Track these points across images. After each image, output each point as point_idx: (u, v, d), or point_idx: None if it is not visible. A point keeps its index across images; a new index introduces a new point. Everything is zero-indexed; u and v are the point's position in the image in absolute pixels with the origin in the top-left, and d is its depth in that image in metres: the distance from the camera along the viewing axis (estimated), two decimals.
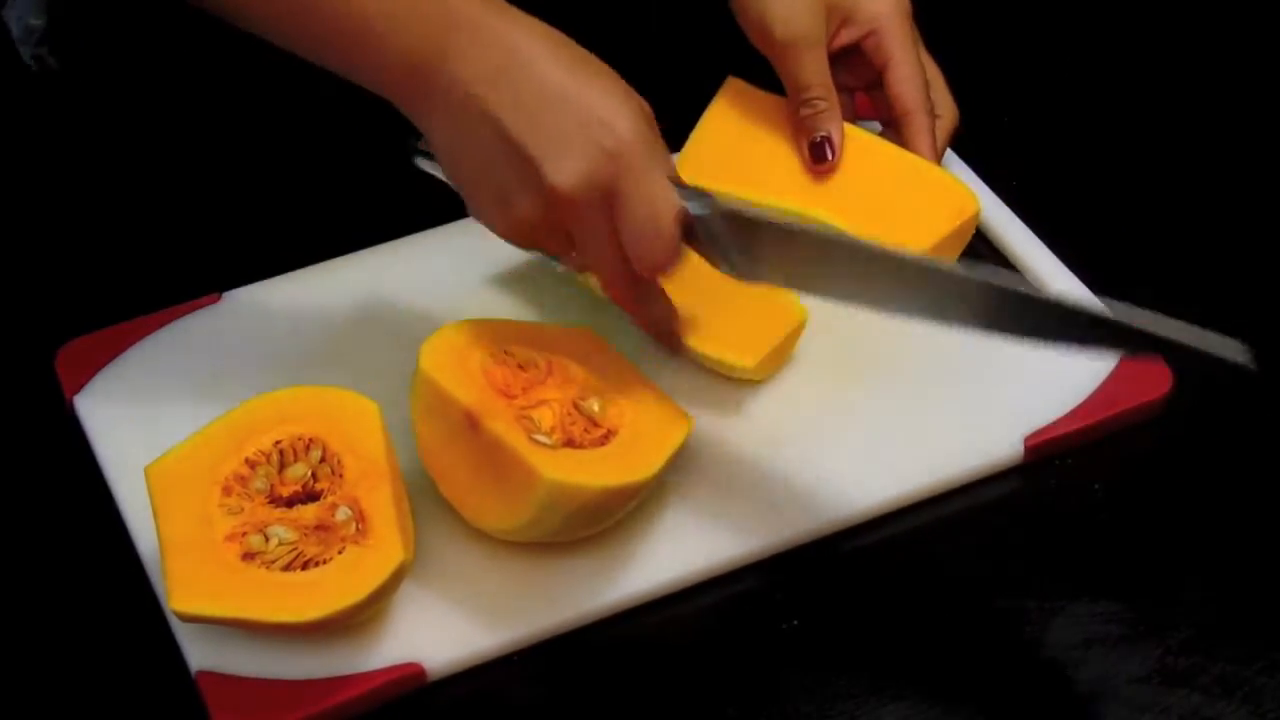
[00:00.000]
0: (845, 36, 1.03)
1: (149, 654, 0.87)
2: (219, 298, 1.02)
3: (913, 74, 1.03)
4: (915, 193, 1.02)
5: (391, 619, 0.87)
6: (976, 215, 1.03)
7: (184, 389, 0.97)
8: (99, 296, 1.02)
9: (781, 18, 1.01)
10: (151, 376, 0.98)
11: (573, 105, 0.84)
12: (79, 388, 0.97)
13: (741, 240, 0.87)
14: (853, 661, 0.87)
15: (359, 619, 0.85)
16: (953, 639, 0.88)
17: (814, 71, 1.01)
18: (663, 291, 0.92)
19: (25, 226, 1.08)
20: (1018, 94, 1.17)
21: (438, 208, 1.04)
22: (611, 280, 0.88)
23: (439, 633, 0.87)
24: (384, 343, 0.99)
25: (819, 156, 1.02)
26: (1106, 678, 0.86)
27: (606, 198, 0.84)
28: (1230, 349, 0.79)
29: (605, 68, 0.86)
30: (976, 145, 1.10)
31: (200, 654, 0.86)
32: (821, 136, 1.02)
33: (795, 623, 0.89)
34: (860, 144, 1.05)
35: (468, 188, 0.88)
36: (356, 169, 1.10)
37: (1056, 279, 1.03)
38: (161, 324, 1.01)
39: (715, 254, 0.88)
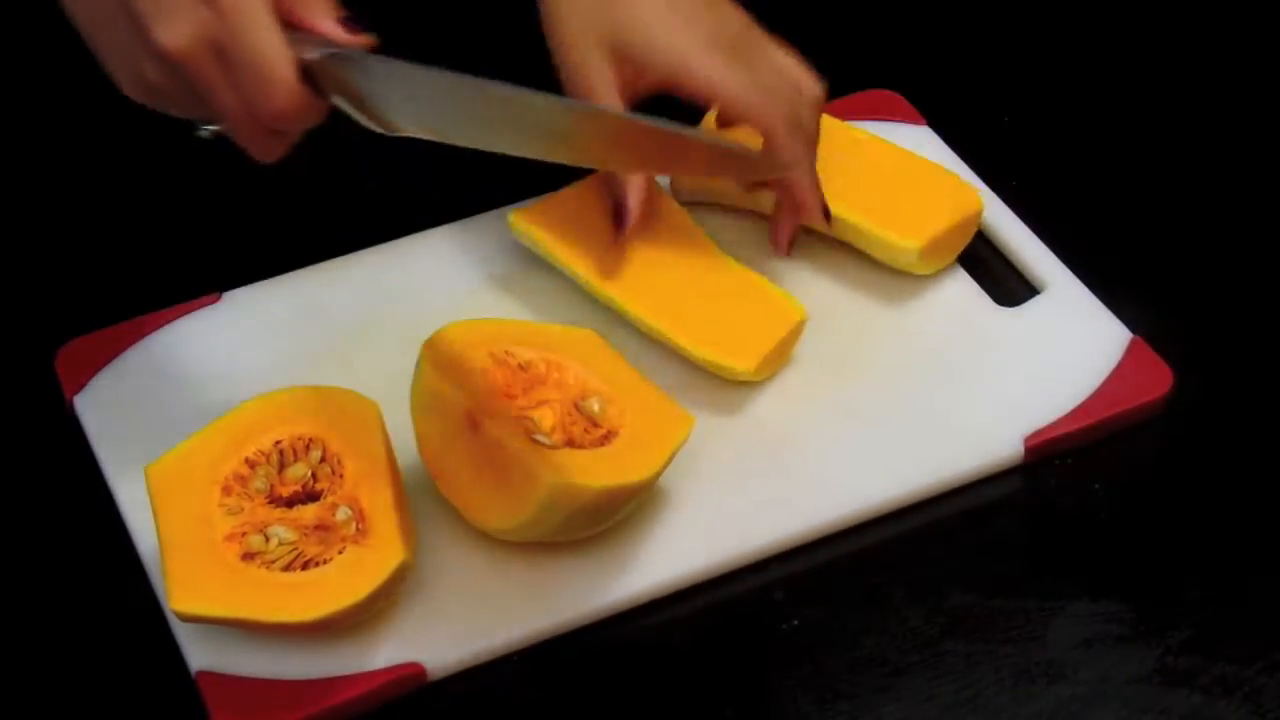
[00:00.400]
0: (646, 83, 0.97)
1: (149, 654, 0.87)
2: (219, 298, 1.02)
3: (739, 100, 0.95)
4: (919, 188, 1.03)
5: (392, 619, 0.87)
6: (979, 213, 1.03)
7: (184, 389, 0.97)
8: (99, 296, 1.02)
9: (572, 81, 0.96)
10: (151, 376, 0.98)
11: None
12: (79, 388, 0.97)
13: (372, 85, 0.85)
14: (853, 661, 0.87)
15: (359, 619, 0.85)
16: (952, 639, 0.88)
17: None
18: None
19: (25, 226, 1.08)
20: (1018, 94, 1.17)
21: (438, 208, 1.05)
22: (242, 133, 0.86)
23: (439, 633, 0.87)
24: (384, 343, 0.99)
25: (619, 222, 0.99)
26: (1106, 678, 0.86)
27: (217, 54, 0.83)
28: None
29: None
30: (976, 145, 1.10)
31: (200, 654, 0.86)
32: (618, 201, 0.99)
33: (795, 623, 0.89)
34: (864, 144, 1.05)
35: (102, 52, 0.86)
36: (356, 169, 1.10)
37: (1056, 279, 1.03)
38: (161, 324, 1.01)
39: (349, 104, 0.86)
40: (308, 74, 0.84)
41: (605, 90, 0.95)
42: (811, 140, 0.98)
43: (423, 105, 0.86)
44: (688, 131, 0.82)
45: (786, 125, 0.95)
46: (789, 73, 0.98)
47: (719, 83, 0.95)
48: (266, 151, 0.86)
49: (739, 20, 0.97)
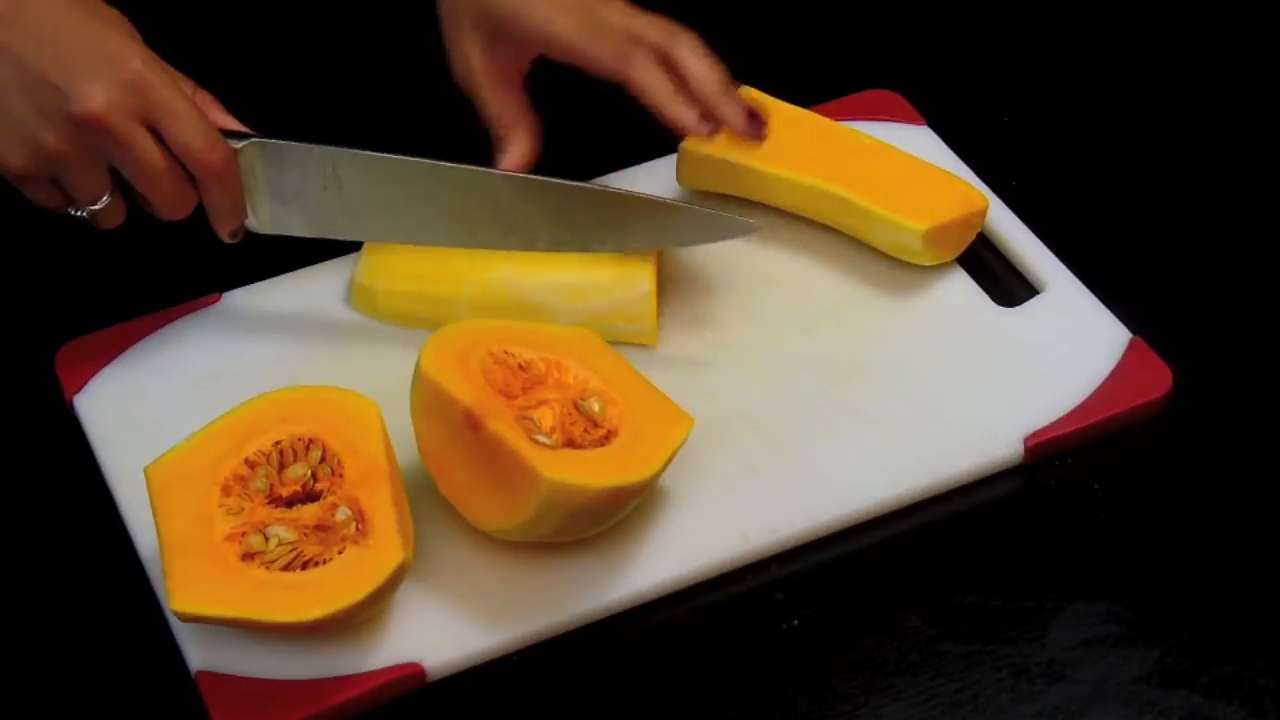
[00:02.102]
0: (525, 59, 1.01)
1: (149, 654, 0.87)
2: (219, 298, 1.02)
3: (619, 67, 0.98)
4: (924, 184, 1.04)
5: (391, 619, 0.87)
6: (984, 210, 1.03)
7: (184, 389, 0.97)
8: (99, 296, 1.02)
9: (453, 64, 1.01)
10: (151, 376, 0.98)
11: (84, 39, 0.88)
12: (79, 388, 0.97)
13: (276, 175, 0.94)
14: (853, 661, 0.87)
15: (359, 619, 0.85)
16: (952, 639, 0.88)
17: (495, 103, 1.00)
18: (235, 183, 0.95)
19: (25, 227, 1.08)
20: (1018, 94, 1.17)
21: None
22: (167, 205, 0.92)
23: (439, 633, 0.87)
24: (384, 343, 0.99)
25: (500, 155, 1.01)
26: (1106, 678, 0.86)
27: (142, 115, 0.89)
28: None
29: (106, 9, 0.91)
30: (976, 145, 1.10)
31: (200, 654, 0.86)
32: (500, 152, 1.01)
33: (795, 623, 0.89)
34: (870, 147, 1.05)
35: None
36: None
37: (1056, 279, 1.03)
38: (161, 324, 1.01)
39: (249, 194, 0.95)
40: None
41: (480, 66, 0.99)
42: (639, 40, 0.98)
43: (333, 191, 0.95)
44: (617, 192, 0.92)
45: (600, 38, 0.97)
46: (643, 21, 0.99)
47: (588, 54, 0.98)
48: (179, 204, 0.93)
49: None
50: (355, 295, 1.01)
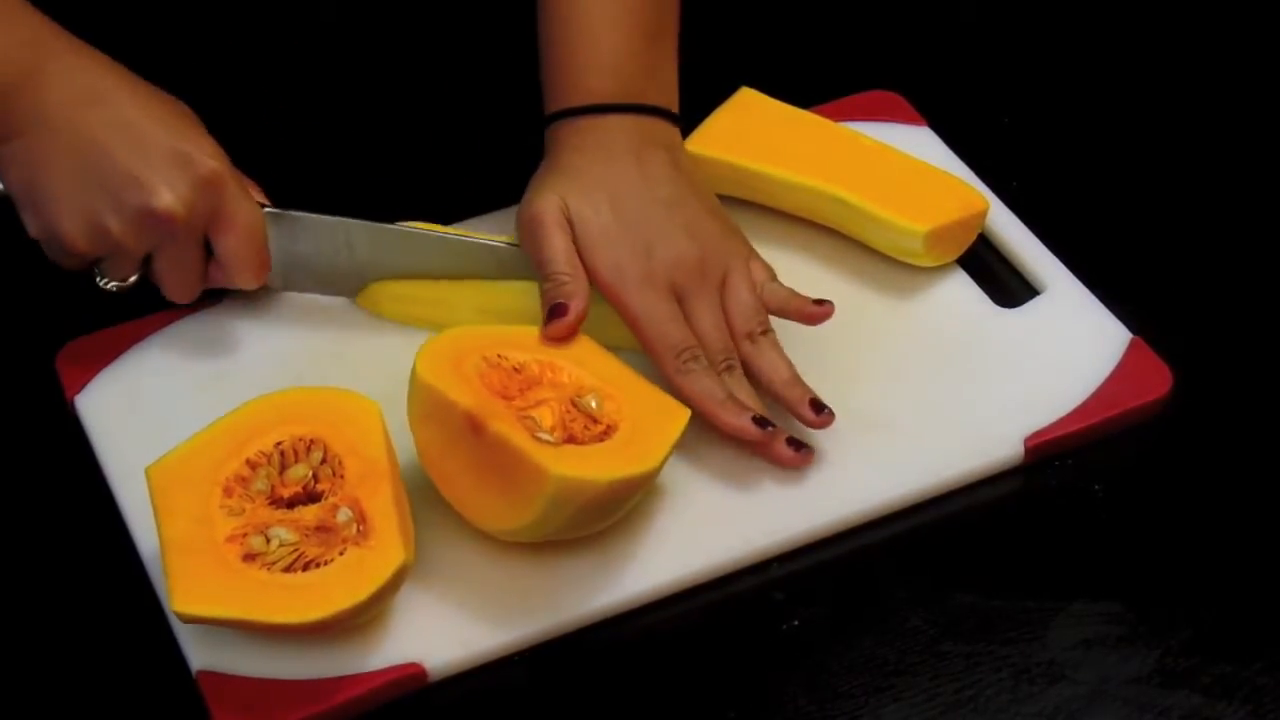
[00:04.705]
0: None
1: (149, 654, 0.87)
2: (219, 298, 1.02)
3: (672, 376, 0.94)
4: (925, 185, 1.04)
5: (392, 619, 0.87)
6: (984, 212, 1.03)
7: (184, 389, 0.98)
8: (99, 296, 1.02)
9: (527, 199, 0.97)
10: (152, 377, 0.98)
11: (166, 135, 0.92)
12: (79, 388, 0.97)
13: (289, 245, 0.98)
14: (853, 661, 0.87)
15: (360, 620, 0.85)
16: (952, 639, 0.88)
17: (555, 249, 0.95)
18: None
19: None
20: (1018, 94, 1.17)
21: (435, 209, 1.05)
22: (181, 292, 0.96)
23: (439, 633, 0.87)
24: (384, 343, 0.99)
25: (555, 315, 0.93)
26: (1106, 678, 0.86)
27: (206, 220, 0.93)
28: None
29: (178, 103, 0.94)
30: (976, 146, 1.10)
31: (200, 654, 0.86)
32: (559, 302, 0.93)
33: (795, 623, 0.89)
34: (869, 147, 1.05)
35: (48, 204, 0.92)
36: (355, 170, 1.10)
37: (1056, 279, 1.03)
38: (162, 324, 1.01)
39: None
40: None
41: (562, 236, 0.95)
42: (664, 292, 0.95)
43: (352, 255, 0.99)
44: None
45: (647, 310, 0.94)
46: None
47: (641, 318, 0.95)
48: (190, 294, 0.97)
49: (697, 252, 0.95)
50: (360, 297, 1.01)
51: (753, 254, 0.98)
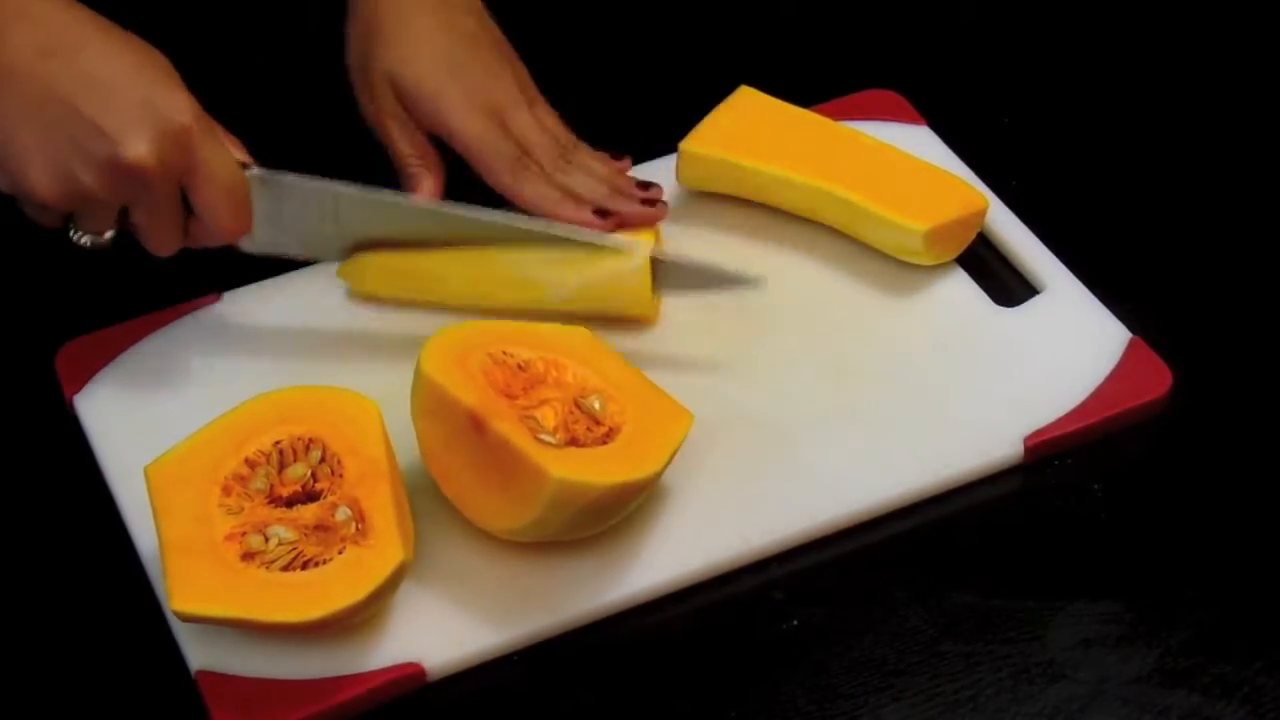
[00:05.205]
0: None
1: (149, 654, 0.87)
2: (219, 298, 1.02)
3: (509, 184, 1.01)
4: (925, 184, 1.04)
5: (391, 619, 0.87)
6: (984, 211, 1.03)
7: (184, 389, 0.98)
8: (99, 296, 1.02)
9: (355, 74, 1.04)
10: (151, 376, 0.98)
11: (137, 87, 0.89)
12: (79, 388, 0.98)
13: (275, 206, 0.96)
14: (852, 661, 0.87)
15: (359, 619, 0.85)
16: (952, 639, 0.88)
17: (394, 139, 1.03)
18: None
19: (26, 227, 1.08)
20: (1018, 94, 1.17)
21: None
22: (161, 244, 0.94)
23: (439, 633, 0.87)
24: (384, 342, 0.99)
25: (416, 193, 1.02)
26: (1106, 677, 0.86)
27: (179, 171, 0.91)
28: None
29: (154, 53, 0.92)
30: (976, 145, 1.10)
31: (200, 654, 0.86)
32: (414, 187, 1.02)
33: (795, 623, 0.89)
34: (869, 146, 1.05)
35: (15, 156, 0.90)
36: (355, 170, 1.09)
37: (1056, 279, 1.03)
38: (161, 324, 1.01)
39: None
40: None
41: (391, 113, 1.02)
42: (525, 151, 1.01)
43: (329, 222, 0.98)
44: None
45: (502, 160, 1.01)
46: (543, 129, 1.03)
47: (456, 121, 1.01)
48: (173, 247, 0.95)
49: (504, 77, 1.03)
50: (345, 270, 1.01)
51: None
